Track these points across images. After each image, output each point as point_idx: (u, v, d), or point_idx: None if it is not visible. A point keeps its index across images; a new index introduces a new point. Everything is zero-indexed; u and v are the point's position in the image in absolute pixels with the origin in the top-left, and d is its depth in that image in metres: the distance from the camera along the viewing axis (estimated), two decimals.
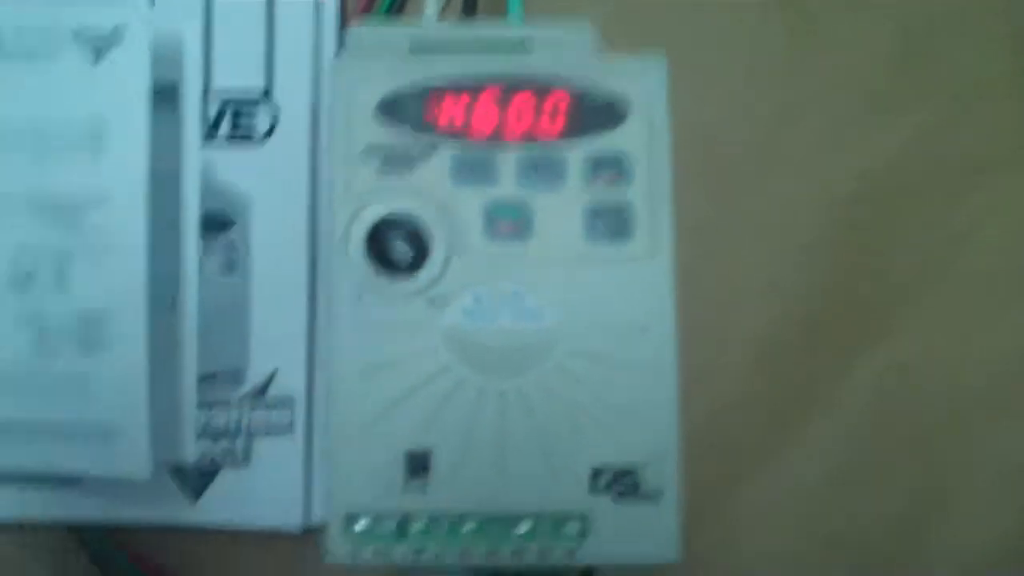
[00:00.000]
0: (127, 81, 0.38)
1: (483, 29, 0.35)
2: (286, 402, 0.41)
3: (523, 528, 0.31)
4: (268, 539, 0.42)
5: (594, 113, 0.31)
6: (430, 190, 0.31)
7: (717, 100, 0.41)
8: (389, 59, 0.32)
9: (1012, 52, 0.43)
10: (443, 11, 0.40)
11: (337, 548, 0.31)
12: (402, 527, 0.31)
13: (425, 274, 0.31)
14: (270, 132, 0.42)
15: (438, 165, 0.31)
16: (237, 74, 0.42)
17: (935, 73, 0.43)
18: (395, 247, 0.30)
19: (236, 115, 0.42)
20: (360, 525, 0.31)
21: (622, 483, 0.31)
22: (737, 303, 0.42)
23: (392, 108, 0.31)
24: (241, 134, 0.42)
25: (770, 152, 0.42)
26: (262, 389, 0.41)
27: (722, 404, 0.41)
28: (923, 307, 0.41)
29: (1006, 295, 0.42)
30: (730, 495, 0.42)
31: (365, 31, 0.35)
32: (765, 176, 0.42)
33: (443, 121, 0.31)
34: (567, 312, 0.31)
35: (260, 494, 0.42)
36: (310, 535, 0.41)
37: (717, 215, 0.41)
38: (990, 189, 0.42)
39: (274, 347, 0.42)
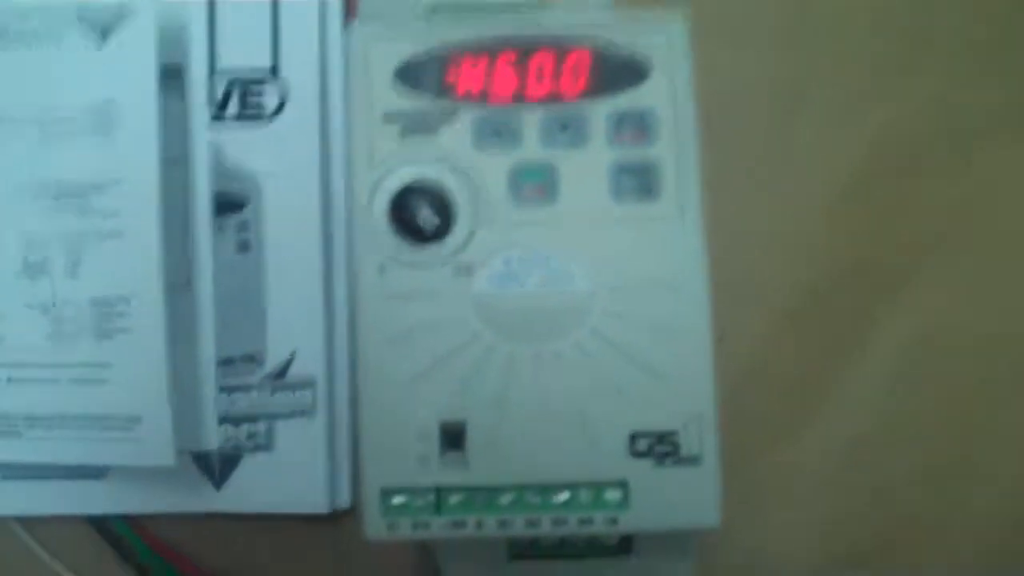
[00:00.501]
0: (134, 62, 0.38)
1: None
2: (306, 383, 0.41)
3: (562, 497, 0.30)
4: (294, 522, 0.41)
5: (616, 71, 0.31)
6: (453, 155, 0.31)
7: (734, 63, 0.40)
8: (405, 23, 0.31)
9: (1017, 12, 0.42)
10: None
11: (375, 524, 0.30)
12: (440, 500, 0.30)
13: (451, 240, 0.30)
14: (279, 110, 0.41)
15: (460, 130, 0.31)
16: (243, 52, 0.41)
17: (949, 34, 0.42)
18: (420, 214, 0.30)
19: (244, 94, 0.41)
20: (397, 500, 0.30)
21: (661, 447, 0.30)
22: (758, 269, 0.41)
23: (411, 73, 0.31)
24: (250, 113, 0.41)
25: (788, 117, 0.42)
26: (281, 371, 0.41)
27: (745, 371, 0.41)
28: (946, 271, 0.41)
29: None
30: (754, 463, 0.41)
31: None
32: (783, 142, 0.42)
33: (463, 85, 0.31)
34: (597, 274, 0.30)
35: (285, 478, 0.41)
36: (336, 517, 0.41)
37: (735, 180, 0.41)
38: (1007, 149, 0.42)
39: (291, 328, 0.41)
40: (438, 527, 0.30)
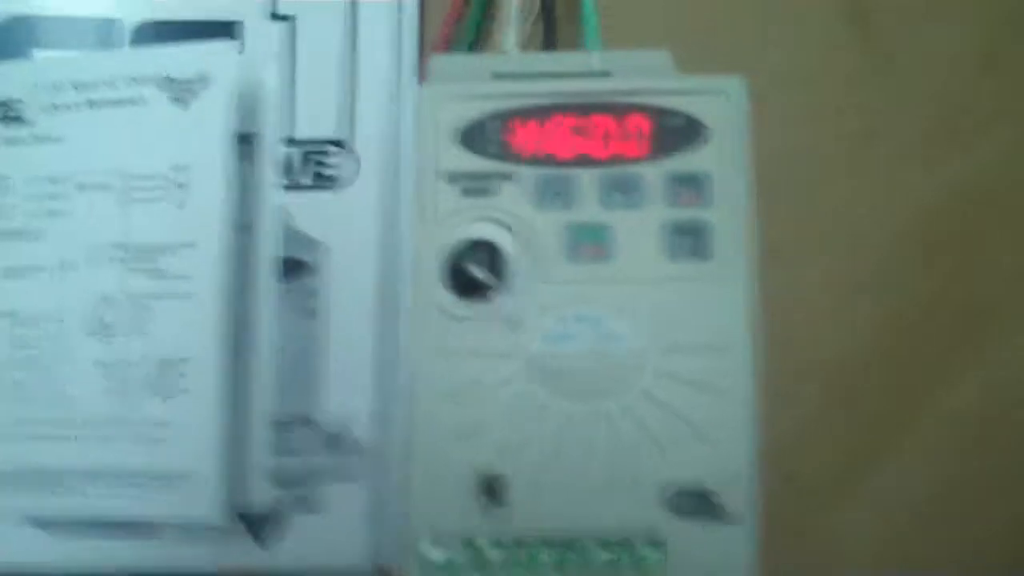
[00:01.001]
0: (210, 128, 0.39)
1: (563, 58, 0.36)
2: (356, 449, 0.41)
3: (603, 557, 0.30)
4: None
5: (674, 134, 0.31)
6: (511, 214, 0.31)
7: (794, 123, 0.41)
8: (470, 85, 0.32)
9: None
10: (524, 46, 0.41)
11: None
12: (479, 556, 0.30)
13: (507, 297, 0.31)
14: (351, 180, 0.42)
15: (519, 189, 0.31)
16: (319, 122, 0.43)
17: (1018, 85, 0.42)
18: (476, 272, 0.31)
19: (318, 163, 0.42)
20: (438, 555, 0.30)
21: (702, 506, 0.30)
22: (816, 327, 0.41)
23: (474, 134, 0.32)
24: (323, 182, 0.42)
25: (850, 173, 0.42)
26: (335, 435, 0.41)
27: (797, 434, 0.40)
28: (1015, 326, 0.41)
29: None
30: (806, 527, 0.41)
31: (447, 60, 0.36)
32: (845, 198, 0.42)
33: (524, 146, 0.31)
34: (648, 333, 0.31)
35: (329, 540, 0.41)
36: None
37: (797, 237, 0.41)
38: None
39: (346, 393, 0.42)
40: None
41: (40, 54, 0.43)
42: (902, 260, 0.42)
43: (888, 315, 0.41)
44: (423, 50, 0.43)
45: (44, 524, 0.41)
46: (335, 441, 0.41)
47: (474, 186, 0.31)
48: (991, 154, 0.42)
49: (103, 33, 0.43)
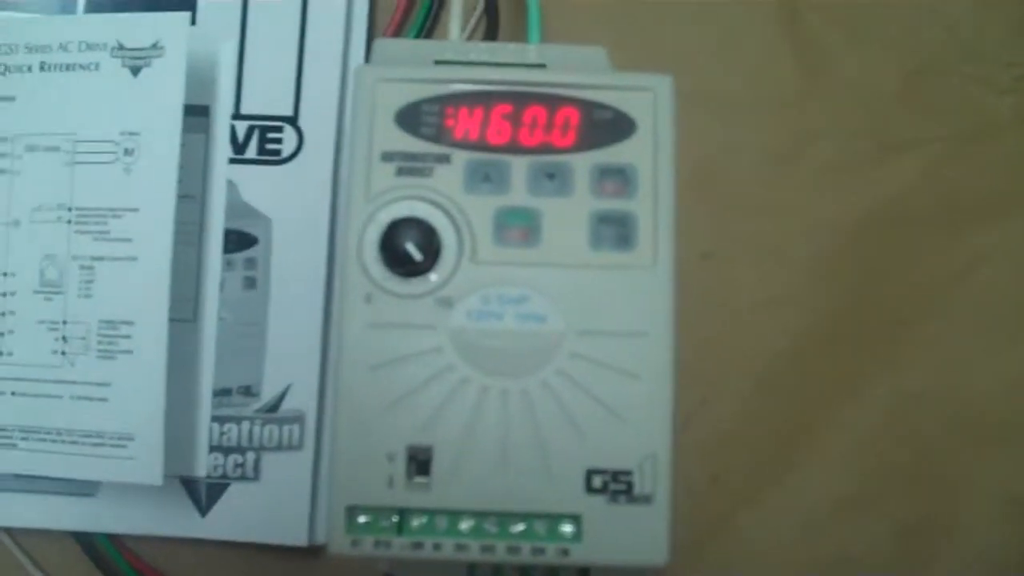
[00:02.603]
0: (162, 97, 0.40)
1: (501, 48, 0.37)
2: (297, 418, 0.42)
3: (518, 527, 0.31)
4: (274, 553, 0.42)
5: (603, 128, 0.33)
6: (444, 196, 0.32)
7: (725, 129, 0.42)
8: (409, 68, 0.33)
9: (1015, 91, 0.44)
10: (468, 37, 0.42)
11: (339, 539, 0.31)
12: (402, 521, 0.31)
13: (435, 276, 0.32)
14: (295, 154, 0.43)
15: (452, 172, 0.32)
16: (266, 98, 0.43)
17: (941, 110, 0.44)
18: (408, 248, 0.31)
19: (263, 138, 0.43)
20: (362, 518, 0.31)
21: (616, 485, 0.31)
22: (740, 330, 0.42)
23: (410, 115, 0.32)
24: (267, 156, 0.43)
25: (777, 181, 0.43)
26: (274, 405, 0.42)
27: (723, 431, 0.42)
28: (924, 340, 0.42)
29: (1008, 329, 0.42)
30: (730, 522, 0.42)
31: (390, 43, 0.37)
32: (771, 205, 0.43)
33: (459, 131, 0.32)
34: (570, 316, 0.32)
35: (268, 509, 0.42)
36: (316, 551, 0.42)
37: (722, 242, 0.42)
38: (993, 225, 0.43)
39: (288, 364, 0.42)
40: (399, 547, 0.31)
41: None
42: (823, 269, 0.43)
43: (809, 321, 0.43)
44: (373, 35, 0.44)
45: None
46: (274, 411, 0.42)
47: (409, 166, 0.32)
48: (913, 170, 0.43)
49: None
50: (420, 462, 0.31)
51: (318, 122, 0.43)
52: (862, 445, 0.43)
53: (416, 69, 0.33)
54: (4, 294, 0.41)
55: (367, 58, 0.43)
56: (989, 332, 0.43)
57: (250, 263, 0.43)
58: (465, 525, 0.31)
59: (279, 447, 0.43)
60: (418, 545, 0.31)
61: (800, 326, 0.43)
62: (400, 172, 0.32)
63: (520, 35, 0.41)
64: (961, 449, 0.42)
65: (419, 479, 0.31)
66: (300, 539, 0.42)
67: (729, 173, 0.43)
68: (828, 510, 0.42)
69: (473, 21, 0.44)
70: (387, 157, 0.32)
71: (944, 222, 0.44)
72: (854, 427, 0.43)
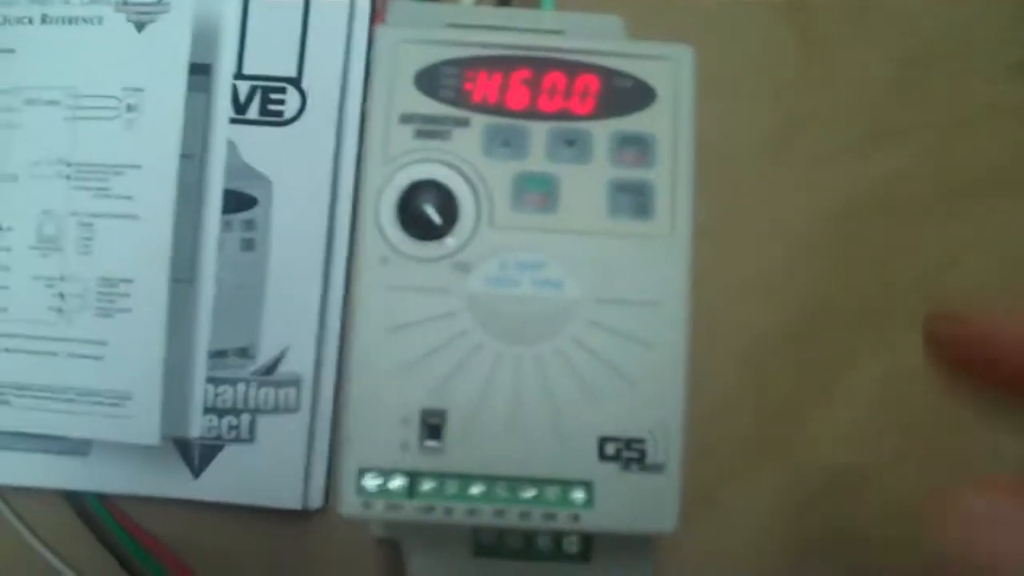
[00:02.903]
0: (166, 55, 0.40)
1: (517, 14, 0.37)
2: (293, 381, 0.42)
3: (530, 493, 0.31)
4: (267, 516, 0.42)
5: (622, 95, 0.33)
6: (463, 159, 0.32)
7: (722, 108, 0.42)
8: (429, 31, 0.33)
9: (1005, 82, 0.45)
10: (479, 2, 0.42)
11: (350, 501, 0.31)
12: (413, 484, 0.31)
13: (452, 240, 0.32)
14: (298, 115, 0.43)
15: (471, 136, 0.32)
16: (270, 58, 0.43)
17: (933, 97, 0.45)
18: (425, 211, 0.31)
19: (266, 98, 0.43)
20: (372, 481, 0.31)
21: (628, 453, 0.31)
22: (729, 308, 0.43)
23: (430, 78, 0.32)
24: (269, 117, 0.43)
25: (770, 162, 0.44)
26: (271, 367, 0.42)
27: (708, 409, 0.42)
28: (915, 322, 0.43)
29: None
30: (714, 499, 0.42)
31: (408, 5, 0.36)
32: (764, 185, 0.44)
33: (478, 94, 0.32)
34: (586, 283, 0.32)
35: (262, 472, 0.42)
36: (309, 514, 0.42)
37: (713, 220, 0.42)
38: (980, 214, 0.44)
39: (285, 327, 0.42)
40: (409, 510, 0.31)
41: None
42: (816, 250, 0.44)
43: (801, 301, 0.43)
44: None
45: None
46: (270, 373, 0.42)
47: (427, 128, 0.32)
48: (905, 156, 0.44)
49: None
50: (433, 426, 0.31)
51: (322, 84, 0.43)
52: (845, 431, 0.43)
53: (438, 31, 0.33)
54: (1, 248, 0.40)
55: (375, 18, 0.43)
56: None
57: (249, 225, 0.43)
58: (476, 490, 0.31)
59: (275, 410, 0.42)
60: (429, 509, 0.31)
61: (792, 305, 0.44)
62: (419, 135, 0.32)
63: (531, 2, 0.41)
64: (953, 429, 0.42)
65: (431, 443, 0.31)
66: (294, 502, 0.42)
67: (724, 153, 0.43)
68: (808, 494, 0.43)
69: None
70: (406, 119, 0.32)
71: (936, 207, 0.45)
72: (837, 411, 0.43)
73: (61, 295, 0.40)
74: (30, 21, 0.41)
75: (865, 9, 0.46)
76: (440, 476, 0.31)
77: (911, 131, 0.45)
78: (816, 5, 0.45)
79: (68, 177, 0.40)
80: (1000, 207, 0.45)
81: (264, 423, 0.43)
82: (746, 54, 0.45)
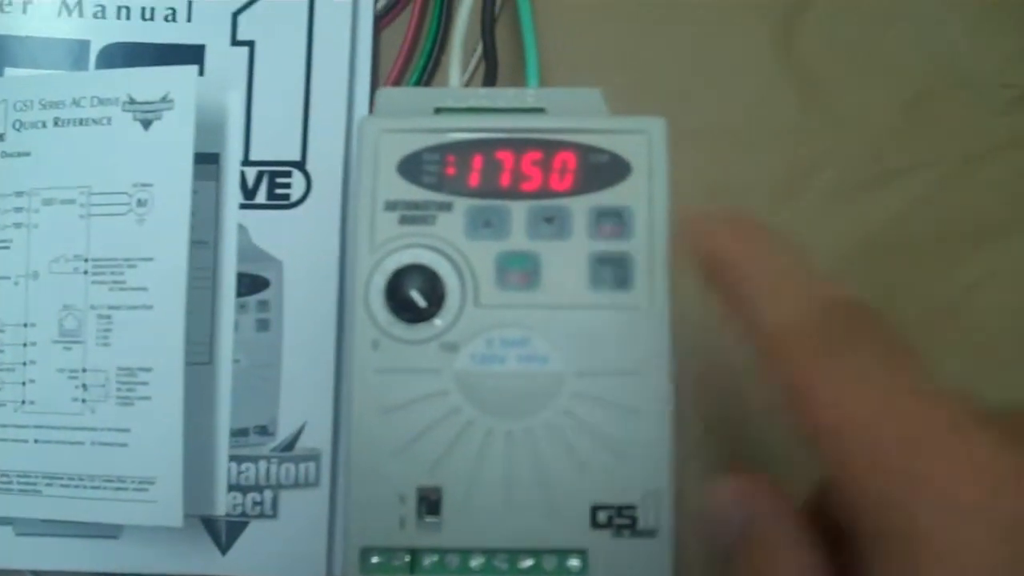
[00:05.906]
0: (173, 148, 0.41)
1: (500, 93, 0.38)
2: (312, 456, 0.43)
3: (527, 563, 0.32)
4: None
5: (599, 170, 0.33)
6: (447, 243, 0.33)
7: (726, 162, 0.43)
8: (411, 119, 0.34)
9: (1011, 113, 0.45)
10: (468, 83, 0.43)
11: None
12: (415, 560, 0.32)
13: (440, 321, 0.33)
14: (303, 198, 0.44)
15: (454, 219, 0.33)
16: (275, 145, 0.44)
17: (938, 134, 0.45)
18: (413, 295, 0.32)
19: (272, 182, 0.44)
20: (375, 559, 0.32)
21: (620, 519, 0.32)
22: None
23: (413, 166, 0.33)
24: (277, 200, 0.44)
25: (779, 210, 0.44)
26: (290, 443, 0.43)
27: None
28: (926, 362, 0.42)
29: (1011, 352, 0.43)
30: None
31: (394, 93, 0.38)
32: (774, 228, 0.44)
33: (459, 178, 0.33)
34: (570, 356, 0.32)
35: (287, 546, 0.43)
36: None
37: None
38: (990, 252, 0.44)
39: (302, 403, 0.43)
40: None
41: (12, 72, 0.45)
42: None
43: None
44: (377, 81, 0.45)
45: (5, 521, 0.43)
46: (290, 449, 0.43)
47: (411, 214, 0.33)
48: (913, 195, 0.44)
49: (73, 54, 0.45)
50: (430, 502, 0.32)
51: (325, 166, 0.44)
52: None
53: (417, 119, 0.34)
54: (25, 344, 0.42)
55: (371, 103, 0.44)
56: (991, 355, 0.43)
57: (263, 305, 0.44)
58: (476, 562, 0.32)
59: (296, 485, 0.43)
60: None
61: None
62: (403, 220, 0.33)
63: (519, 76, 0.42)
64: None
65: (430, 519, 0.32)
66: (318, 574, 0.43)
67: (736, 197, 0.44)
68: None
69: (473, 63, 0.45)
70: (390, 206, 0.33)
71: (945, 245, 0.45)
72: None
73: (84, 386, 0.41)
74: (43, 125, 0.42)
75: (858, 49, 0.46)
76: (440, 551, 0.32)
77: (916, 169, 0.45)
78: (806, 49, 0.46)
79: (86, 272, 0.42)
80: (1011, 241, 0.44)
81: (286, 498, 0.44)
82: (743, 106, 0.46)
